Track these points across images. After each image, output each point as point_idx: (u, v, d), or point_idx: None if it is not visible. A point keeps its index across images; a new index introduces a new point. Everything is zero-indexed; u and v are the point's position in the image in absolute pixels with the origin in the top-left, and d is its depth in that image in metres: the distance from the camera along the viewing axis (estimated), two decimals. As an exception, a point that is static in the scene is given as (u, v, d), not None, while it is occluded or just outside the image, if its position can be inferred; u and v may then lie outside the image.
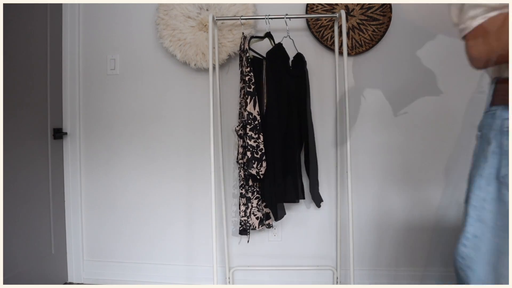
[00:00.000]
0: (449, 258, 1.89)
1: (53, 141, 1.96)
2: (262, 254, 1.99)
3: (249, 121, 1.64)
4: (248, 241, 1.86)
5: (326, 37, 1.86)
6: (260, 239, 1.98)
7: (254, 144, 1.64)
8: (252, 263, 1.99)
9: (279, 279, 1.97)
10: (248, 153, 1.64)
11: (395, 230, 1.92)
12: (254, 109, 1.64)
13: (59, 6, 1.98)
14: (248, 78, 1.65)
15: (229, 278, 1.93)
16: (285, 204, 1.91)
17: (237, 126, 1.69)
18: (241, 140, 1.75)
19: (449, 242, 1.89)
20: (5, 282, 1.61)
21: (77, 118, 2.05)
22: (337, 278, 1.90)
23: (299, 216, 1.96)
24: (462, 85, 1.85)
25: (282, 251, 1.98)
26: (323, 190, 1.92)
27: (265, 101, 1.70)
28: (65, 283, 2.05)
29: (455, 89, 1.86)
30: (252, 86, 1.64)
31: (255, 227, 1.73)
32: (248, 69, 1.65)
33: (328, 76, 1.90)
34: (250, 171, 1.64)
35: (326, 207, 1.94)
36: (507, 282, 0.80)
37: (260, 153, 1.64)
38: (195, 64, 1.87)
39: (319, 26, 1.86)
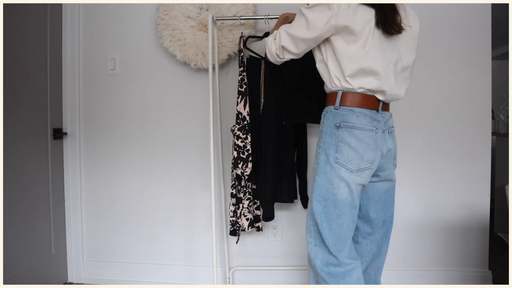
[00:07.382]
0: (446, 257, 1.90)
1: (53, 141, 1.97)
2: (262, 254, 1.99)
3: (238, 121, 1.64)
4: (237, 242, 1.84)
5: (326, 37, 1.86)
6: (260, 239, 1.98)
7: (241, 144, 1.64)
8: (252, 263, 1.99)
9: (279, 279, 1.97)
10: (235, 153, 1.64)
11: (395, 229, 1.92)
12: (244, 109, 1.64)
13: (59, 6, 1.98)
14: (241, 78, 1.66)
15: (229, 278, 1.93)
16: (285, 204, 1.91)
17: (233, 126, 1.69)
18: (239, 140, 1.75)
19: (447, 242, 1.90)
20: (5, 282, 1.61)
21: (77, 118, 2.05)
22: (337, 278, 1.90)
23: (299, 216, 1.96)
24: (462, 84, 1.85)
25: (282, 251, 1.98)
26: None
27: (262, 100, 1.70)
28: (65, 283, 2.05)
29: (457, 87, 1.86)
30: (244, 86, 1.65)
31: (245, 228, 1.71)
32: (241, 68, 1.66)
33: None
34: (235, 171, 1.64)
35: (326, 207, 1.94)
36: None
37: (246, 153, 1.64)
38: (195, 64, 1.87)
39: (319, 26, 1.86)
